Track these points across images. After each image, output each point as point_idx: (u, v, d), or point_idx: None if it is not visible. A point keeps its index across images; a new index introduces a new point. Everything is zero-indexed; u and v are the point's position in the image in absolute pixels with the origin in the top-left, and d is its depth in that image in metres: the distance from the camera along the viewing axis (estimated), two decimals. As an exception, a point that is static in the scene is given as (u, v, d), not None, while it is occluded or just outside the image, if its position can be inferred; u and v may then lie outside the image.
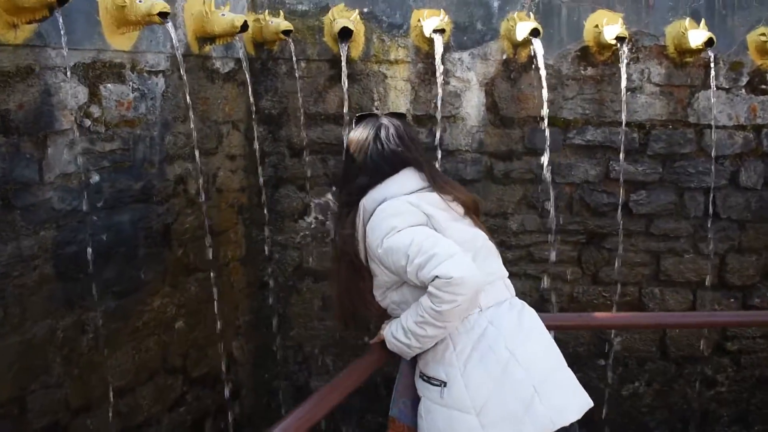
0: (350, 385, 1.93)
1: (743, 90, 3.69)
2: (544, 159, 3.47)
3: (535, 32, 3.22)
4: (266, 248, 3.56)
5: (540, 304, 3.66)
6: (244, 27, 2.82)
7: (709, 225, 3.64)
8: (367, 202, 1.96)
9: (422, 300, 1.81)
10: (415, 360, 2.01)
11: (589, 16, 3.50)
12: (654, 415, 3.89)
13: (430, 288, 1.77)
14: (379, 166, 1.99)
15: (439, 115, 3.40)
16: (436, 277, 1.75)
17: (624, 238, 3.64)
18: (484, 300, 1.91)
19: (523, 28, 3.30)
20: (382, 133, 2.01)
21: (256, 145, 3.32)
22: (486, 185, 3.57)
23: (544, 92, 3.28)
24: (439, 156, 3.42)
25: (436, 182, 2.01)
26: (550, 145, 3.51)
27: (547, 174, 3.45)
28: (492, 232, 3.64)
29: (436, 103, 3.42)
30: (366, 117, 2.10)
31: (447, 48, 3.46)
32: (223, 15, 2.84)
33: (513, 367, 1.83)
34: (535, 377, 1.83)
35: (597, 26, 3.44)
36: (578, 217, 3.63)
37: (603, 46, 3.48)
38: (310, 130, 3.49)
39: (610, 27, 3.34)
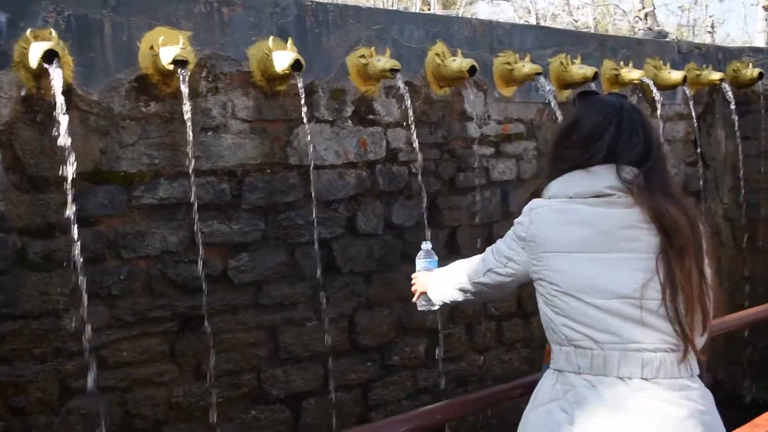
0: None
1: (349, 121, 3.17)
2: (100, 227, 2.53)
3: (49, 54, 2.26)
4: None
5: (127, 422, 2.69)
6: None
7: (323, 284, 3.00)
8: None
9: None
10: None
11: (144, 34, 2.65)
12: None
13: None
14: None
15: None
16: None
17: (227, 315, 2.86)
18: None
19: (35, 49, 2.32)
20: None
21: None
22: (20, 275, 2.48)
23: (62, 138, 2.30)
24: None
25: None
26: (110, 209, 2.60)
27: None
28: (39, 339, 2.64)
29: None
30: None
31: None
32: None
33: None
34: None
35: (153, 47, 2.61)
36: (163, 299, 2.72)
37: (166, 74, 2.65)
38: None
39: (168, 48, 2.54)
